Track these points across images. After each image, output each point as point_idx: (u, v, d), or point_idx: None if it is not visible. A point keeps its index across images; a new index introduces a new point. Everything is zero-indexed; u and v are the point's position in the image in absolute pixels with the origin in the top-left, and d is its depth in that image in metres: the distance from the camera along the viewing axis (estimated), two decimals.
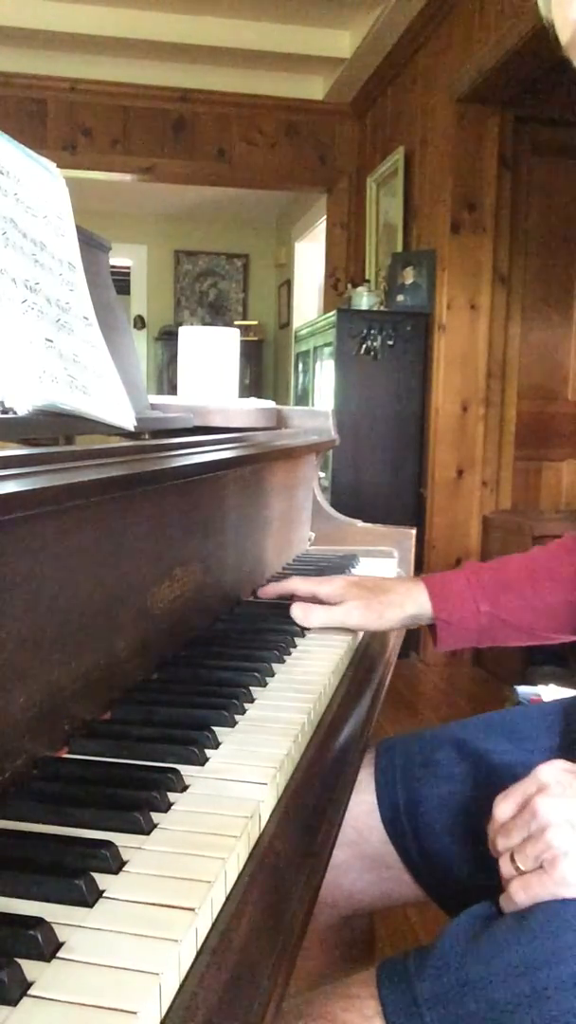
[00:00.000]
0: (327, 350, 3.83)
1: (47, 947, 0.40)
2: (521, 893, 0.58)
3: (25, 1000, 0.38)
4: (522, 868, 0.59)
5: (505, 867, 0.60)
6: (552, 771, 0.62)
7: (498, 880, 0.61)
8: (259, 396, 4.50)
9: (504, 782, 0.67)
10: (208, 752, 0.63)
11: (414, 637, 3.57)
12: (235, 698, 0.72)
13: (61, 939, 0.41)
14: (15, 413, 0.66)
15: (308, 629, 0.97)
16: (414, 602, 0.97)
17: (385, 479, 3.67)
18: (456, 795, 0.85)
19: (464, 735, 0.92)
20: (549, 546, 1.02)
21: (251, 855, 0.53)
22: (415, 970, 0.58)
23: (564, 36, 0.76)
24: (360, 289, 3.87)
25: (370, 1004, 0.59)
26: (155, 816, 0.53)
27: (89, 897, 0.44)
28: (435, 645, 1.01)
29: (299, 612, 0.96)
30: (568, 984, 0.52)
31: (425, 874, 0.87)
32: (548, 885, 0.57)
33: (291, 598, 1.01)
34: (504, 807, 0.63)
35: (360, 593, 0.97)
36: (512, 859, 0.60)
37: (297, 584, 1.01)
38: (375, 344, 3.58)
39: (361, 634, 1.04)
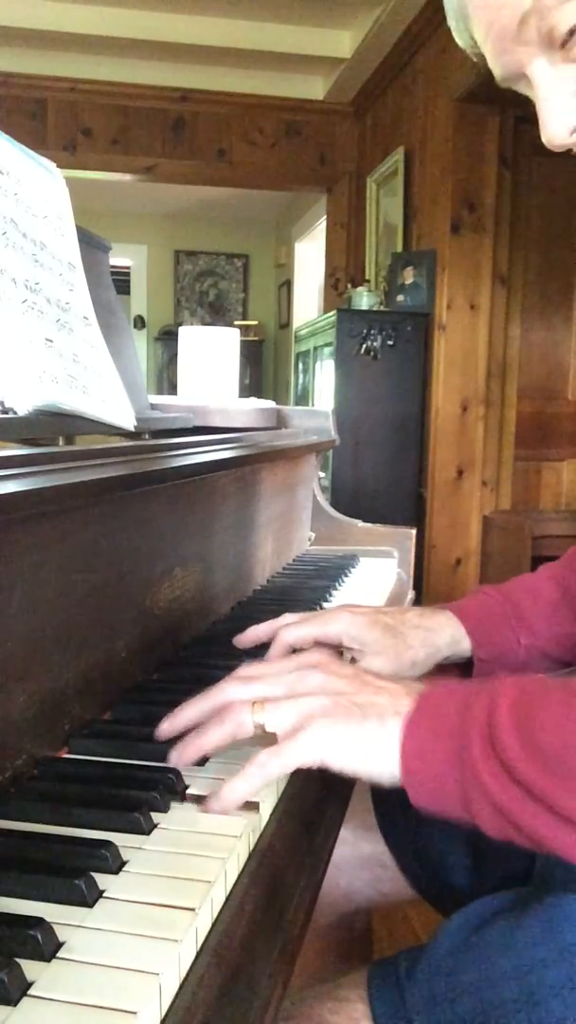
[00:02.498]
0: (327, 350, 3.83)
1: (47, 947, 0.40)
2: (270, 761, 0.55)
3: (25, 1000, 0.38)
4: (268, 725, 0.56)
5: (242, 714, 0.57)
6: (321, 654, 0.63)
7: (493, 881, 0.61)
8: (259, 396, 4.50)
9: None
10: None
11: None
12: None
13: (61, 939, 0.41)
14: (15, 413, 0.66)
15: None
16: (448, 640, 0.81)
17: (385, 479, 3.66)
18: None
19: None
20: (569, 560, 0.90)
21: (251, 855, 0.53)
22: (405, 973, 0.58)
23: (496, 71, 0.67)
24: (360, 289, 3.87)
25: (359, 1007, 0.59)
26: (155, 816, 0.53)
27: (89, 897, 0.44)
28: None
29: None
30: (560, 989, 0.52)
31: (420, 875, 0.87)
32: (297, 747, 0.55)
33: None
34: (274, 665, 0.63)
35: (382, 637, 0.76)
36: (252, 709, 0.57)
37: (291, 634, 0.75)
38: (375, 344, 3.58)
39: None
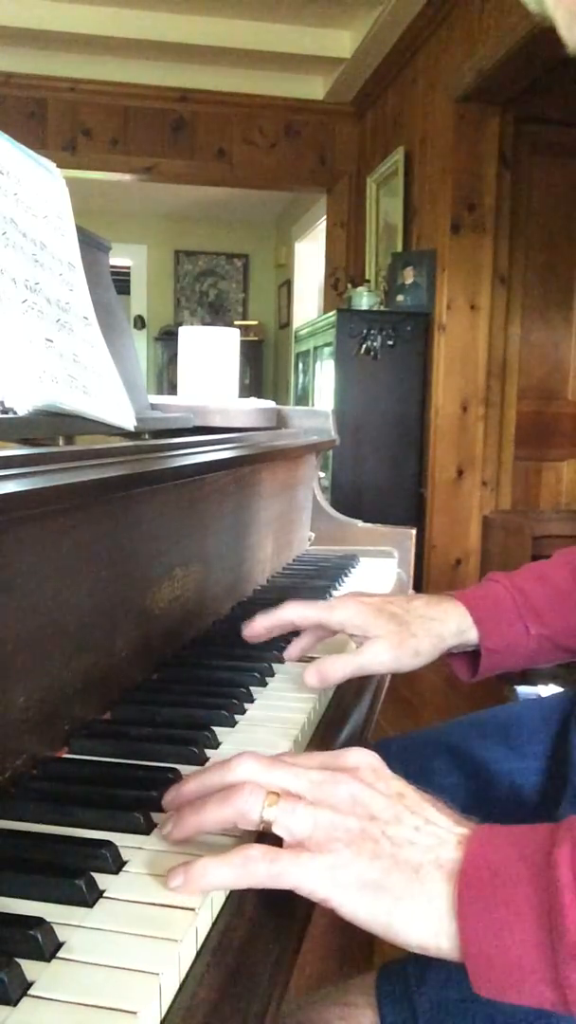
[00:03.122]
0: (327, 350, 3.83)
1: (47, 947, 0.40)
2: (262, 863, 0.45)
3: (25, 1000, 0.38)
4: (275, 826, 0.47)
5: (252, 801, 0.47)
6: (364, 756, 0.51)
7: None
8: (259, 396, 4.50)
9: (499, 792, 0.67)
10: (208, 752, 0.63)
11: None
12: (235, 698, 0.72)
13: (61, 939, 0.41)
14: (15, 413, 0.66)
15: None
16: (455, 629, 0.78)
17: (385, 479, 3.67)
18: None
19: (459, 739, 0.91)
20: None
21: None
22: (415, 981, 0.57)
23: (572, 41, 0.66)
24: (360, 289, 3.87)
25: (368, 1015, 0.58)
26: (155, 816, 0.53)
27: (89, 897, 0.44)
28: (466, 675, 0.84)
29: (314, 678, 0.72)
30: None
31: None
32: (301, 867, 0.45)
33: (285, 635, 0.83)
34: (308, 756, 0.52)
35: (386, 624, 0.75)
36: (264, 801, 0.47)
37: (295, 612, 0.77)
38: (375, 344, 3.58)
39: None
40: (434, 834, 0.46)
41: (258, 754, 0.50)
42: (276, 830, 0.47)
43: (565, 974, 0.40)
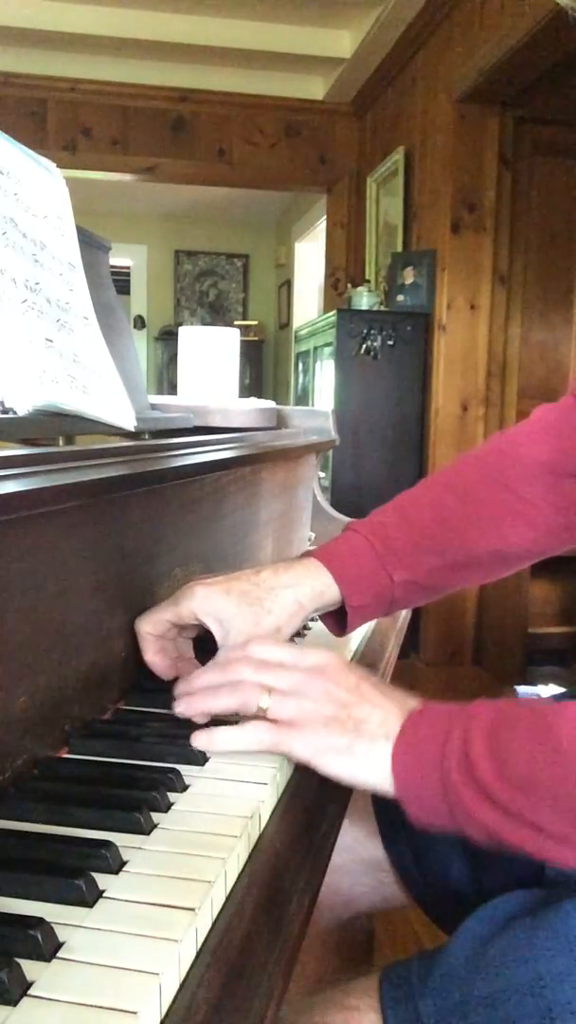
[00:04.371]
0: (327, 350, 3.83)
1: (47, 947, 0.40)
2: (267, 733, 0.60)
3: (25, 1000, 0.38)
4: (269, 711, 0.61)
5: (252, 695, 0.62)
6: (329, 658, 0.65)
7: (495, 887, 0.60)
8: (259, 396, 4.50)
9: None
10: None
11: (415, 637, 3.57)
12: None
13: (61, 939, 0.41)
14: (15, 413, 0.66)
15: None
16: (310, 592, 0.76)
17: (385, 479, 3.66)
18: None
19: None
20: (450, 477, 0.88)
21: (251, 855, 0.53)
22: (418, 984, 0.57)
23: None
24: (360, 289, 3.87)
25: (370, 1017, 0.58)
26: (155, 816, 0.53)
27: (89, 897, 0.44)
28: (336, 631, 0.84)
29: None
30: (574, 1006, 0.51)
31: (419, 881, 0.86)
32: (292, 739, 0.60)
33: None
34: (280, 652, 0.66)
35: (236, 609, 0.73)
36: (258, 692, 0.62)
37: (145, 623, 0.74)
38: (375, 344, 3.58)
39: (362, 635, 1.04)
40: (383, 713, 0.61)
41: (249, 657, 0.65)
42: (270, 715, 0.61)
43: (459, 819, 0.56)
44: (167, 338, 6.74)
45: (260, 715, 0.62)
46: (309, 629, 0.96)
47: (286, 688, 0.63)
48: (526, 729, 0.57)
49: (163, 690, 0.76)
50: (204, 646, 0.76)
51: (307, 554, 0.80)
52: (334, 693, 0.62)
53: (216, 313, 7.26)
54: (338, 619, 0.83)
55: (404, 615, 1.27)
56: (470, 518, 0.85)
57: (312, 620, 0.91)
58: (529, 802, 0.54)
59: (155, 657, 0.75)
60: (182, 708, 0.65)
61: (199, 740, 0.61)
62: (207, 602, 0.73)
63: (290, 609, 0.75)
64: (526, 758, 0.55)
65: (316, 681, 0.63)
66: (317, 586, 0.77)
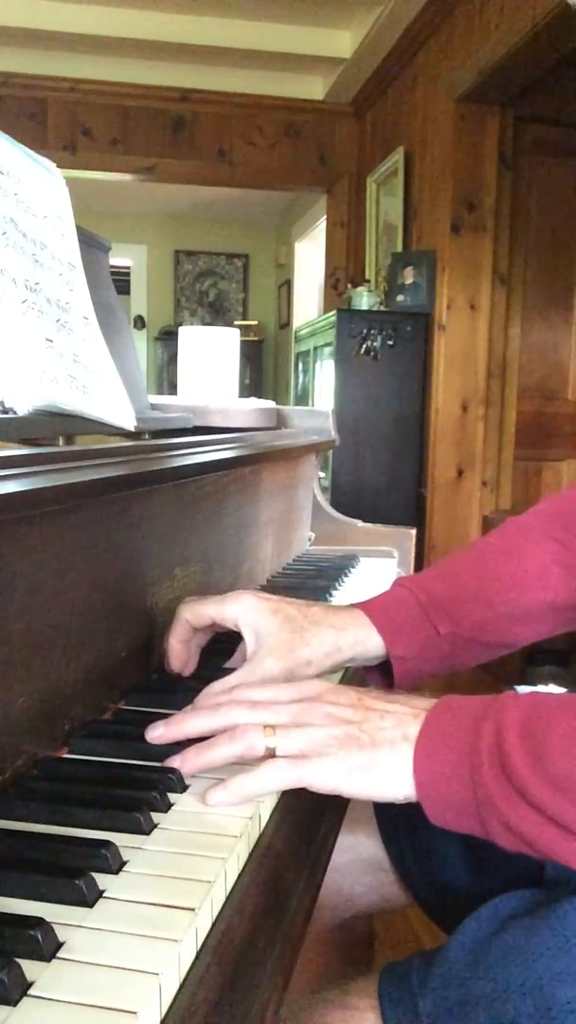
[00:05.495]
0: (327, 350, 3.83)
1: (47, 947, 0.40)
2: (289, 770, 0.56)
3: (25, 1000, 0.37)
4: (279, 750, 0.57)
5: (254, 737, 0.57)
6: (323, 685, 0.62)
7: (495, 886, 0.60)
8: (259, 396, 4.50)
9: None
10: None
11: None
12: None
13: (61, 939, 0.41)
14: (15, 413, 0.66)
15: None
16: (352, 639, 0.75)
17: (385, 479, 3.66)
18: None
19: None
20: (489, 544, 0.87)
21: (251, 855, 0.53)
22: (418, 983, 0.57)
23: None
24: (360, 289, 3.87)
25: (370, 1018, 0.58)
26: (155, 816, 0.53)
27: (89, 897, 0.44)
28: (383, 686, 0.81)
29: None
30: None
31: (419, 880, 0.86)
32: (313, 771, 0.56)
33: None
34: (272, 691, 0.62)
35: (279, 629, 0.72)
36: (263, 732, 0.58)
37: (188, 610, 0.75)
38: (375, 344, 3.58)
39: None
40: (395, 718, 0.58)
41: (240, 699, 0.61)
42: (280, 752, 0.57)
43: (485, 817, 0.53)
44: (167, 338, 6.74)
45: (268, 756, 0.57)
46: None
47: (288, 722, 0.59)
48: (565, 723, 0.53)
49: (163, 690, 0.76)
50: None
51: (353, 606, 0.79)
52: (338, 714, 0.59)
53: (216, 313, 7.26)
54: (385, 674, 0.80)
55: None
56: (516, 570, 0.83)
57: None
58: (566, 804, 0.51)
59: (179, 644, 0.75)
60: (178, 764, 0.59)
61: (215, 796, 0.56)
62: (252, 614, 0.73)
63: (327, 648, 0.74)
64: (566, 754, 0.51)
65: (316, 707, 0.60)
66: (359, 634, 0.76)
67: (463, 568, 0.84)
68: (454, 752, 0.55)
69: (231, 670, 0.72)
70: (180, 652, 0.76)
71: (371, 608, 0.78)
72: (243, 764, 0.58)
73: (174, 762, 0.59)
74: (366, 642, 0.76)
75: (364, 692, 0.62)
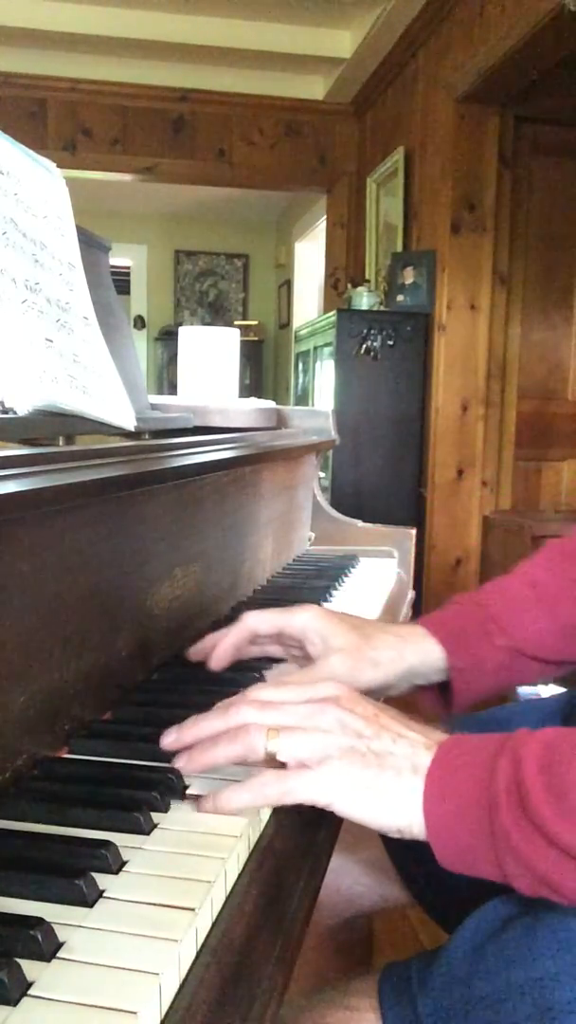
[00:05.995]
0: (327, 350, 3.83)
1: (47, 947, 0.40)
2: (274, 785, 0.54)
3: (25, 1000, 0.38)
4: (280, 754, 0.55)
5: (256, 738, 0.55)
6: (343, 687, 0.60)
7: (495, 890, 0.60)
8: (259, 396, 4.50)
9: None
10: None
11: None
12: None
13: (61, 939, 0.41)
14: (15, 413, 0.66)
15: None
16: (416, 649, 0.76)
17: (385, 479, 3.66)
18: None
19: None
20: (538, 562, 0.87)
21: (251, 855, 0.53)
22: (418, 984, 0.57)
23: None
24: (360, 289, 3.87)
25: (370, 1018, 0.58)
26: (155, 816, 0.53)
27: (89, 897, 0.44)
28: (446, 707, 0.81)
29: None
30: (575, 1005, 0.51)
31: (419, 879, 0.86)
32: (305, 783, 0.54)
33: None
34: (285, 691, 0.60)
35: (346, 633, 0.74)
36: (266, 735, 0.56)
37: (255, 618, 0.76)
38: (375, 344, 3.58)
39: None
40: (408, 744, 0.56)
41: (250, 699, 0.59)
42: (281, 757, 0.55)
43: (503, 859, 0.50)
44: (167, 338, 6.73)
45: (270, 761, 0.56)
46: None
47: (294, 726, 0.56)
48: None
49: (164, 690, 0.76)
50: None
51: (411, 621, 0.81)
52: (350, 723, 0.56)
53: (216, 313, 7.25)
54: (442, 695, 0.80)
55: (404, 614, 1.27)
56: (564, 589, 0.82)
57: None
58: None
59: (231, 647, 0.76)
60: (182, 764, 0.58)
61: (206, 805, 0.55)
62: (319, 621, 0.74)
63: (392, 652, 0.75)
64: None
65: (328, 710, 0.57)
66: (423, 644, 0.77)
67: (511, 585, 0.84)
68: (468, 790, 0.52)
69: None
70: (228, 654, 0.76)
71: (428, 622, 0.79)
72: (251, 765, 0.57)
73: (179, 761, 0.58)
74: (429, 652, 0.76)
75: (383, 709, 0.59)
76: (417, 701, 0.82)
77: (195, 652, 0.78)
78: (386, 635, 0.76)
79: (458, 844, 0.52)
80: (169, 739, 0.60)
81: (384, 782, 0.54)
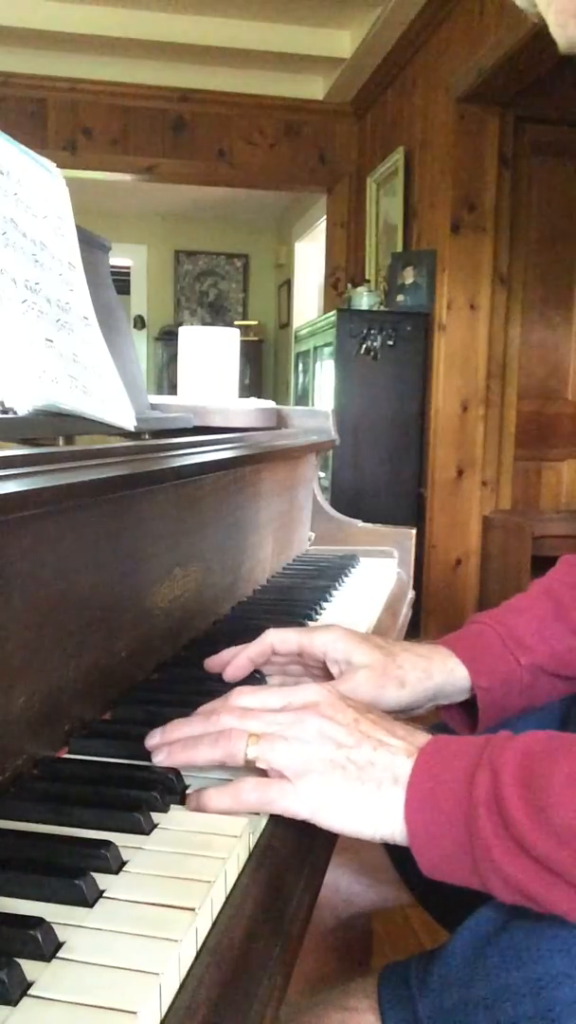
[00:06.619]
0: (327, 350, 3.83)
1: (47, 947, 0.40)
2: (254, 793, 0.54)
3: (25, 1000, 0.38)
4: (260, 762, 0.55)
5: (237, 744, 0.56)
6: (324, 693, 0.59)
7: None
8: (259, 396, 4.50)
9: None
10: None
11: (414, 632, 3.57)
12: None
13: (61, 939, 0.41)
14: (15, 413, 0.66)
15: None
16: (441, 668, 0.76)
17: (385, 479, 3.66)
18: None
19: None
20: (556, 577, 0.86)
21: (251, 855, 0.53)
22: (417, 985, 0.57)
23: (562, 40, 0.65)
24: (360, 289, 3.87)
25: (369, 1018, 0.58)
26: (155, 816, 0.53)
27: (89, 897, 0.44)
28: (464, 727, 0.80)
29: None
30: None
31: (421, 881, 0.86)
32: (286, 795, 0.54)
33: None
34: (266, 696, 0.60)
35: (370, 652, 0.73)
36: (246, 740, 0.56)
37: (275, 636, 0.75)
38: (375, 344, 3.58)
39: (365, 628, 1.04)
40: (389, 752, 0.55)
41: (230, 706, 0.60)
42: (260, 765, 0.56)
43: (483, 871, 0.51)
44: (167, 338, 6.74)
45: (249, 766, 0.56)
46: None
47: (274, 733, 0.57)
48: (565, 769, 0.50)
49: (164, 690, 0.76)
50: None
51: (434, 642, 0.79)
52: (330, 732, 0.56)
53: (216, 313, 7.25)
54: (467, 713, 0.80)
55: (404, 613, 1.27)
56: None
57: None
58: (569, 854, 0.48)
59: (248, 661, 0.75)
60: (161, 758, 0.59)
61: (191, 802, 0.55)
62: (341, 643, 0.73)
63: (418, 672, 0.74)
64: (568, 804, 0.49)
65: (308, 719, 0.57)
66: (448, 663, 0.76)
67: (532, 604, 0.83)
68: (448, 802, 0.52)
69: None
70: (244, 668, 0.76)
71: (452, 642, 0.78)
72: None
73: (159, 754, 0.59)
74: (454, 672, 0.76)
75: (364, 712, 0.59)
76: (441, 719, 0.81)
77: (211, 663, 0.78)
78: (410, 654, 0.75)
79: (440, 853, 0.52)
80: (152, 741, 0.60)
81: (365, 794, 0.54)
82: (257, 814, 0.55)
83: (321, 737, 0.56)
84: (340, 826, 0.54)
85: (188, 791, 0.57)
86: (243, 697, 0.61)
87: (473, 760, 0.53)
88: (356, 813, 0.54)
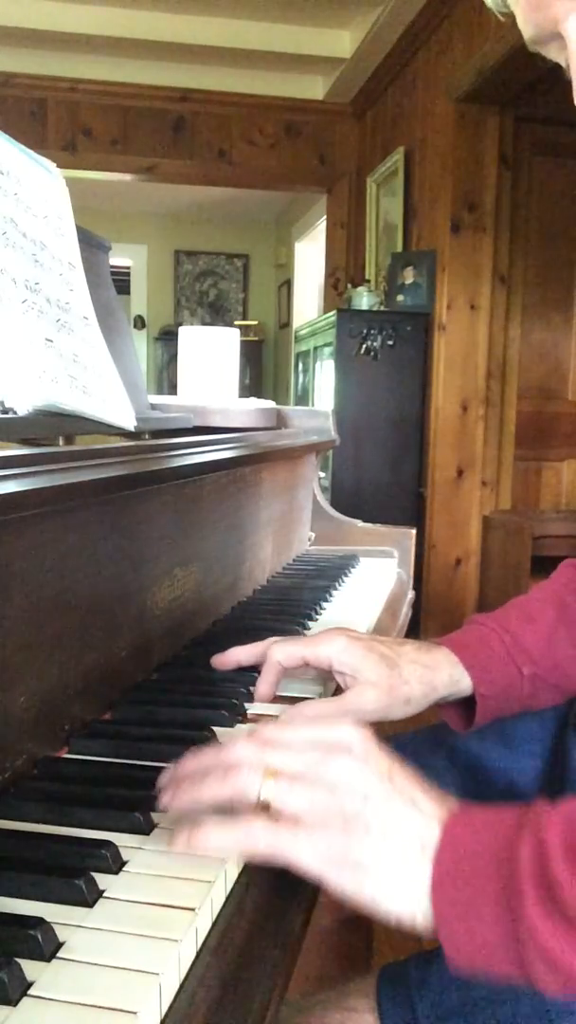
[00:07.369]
0: (327, 350, 3.83)
1: (47, 947, 0.40)
2: (264, 837, 0.48)
3: (25, 1000, 0.38)
4: (273, 801, 0.49)
5: (251, 779, 0.49)
6: (356, 734, 0.52)
7: None
8: (259, 396, 4.50)
9: (496, 791, 0.66)
10: None
11: (415, 632, 3.57)
12: (235, 698, 0.72)
13: (61, 939, 0.41)
14: (15, 413, 0.66)
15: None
16: (447, 679, 0.74)
17: (385, 479, 3.66)
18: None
19: (457, 738, 0.91)
20: (559, 580, 0.85)
21: None
22: (416, 986, 0.57)
23: (527, 31, 0.65)
24: (360, 289, 3.87)
25: (368, 1019, 0.58)
26: (155, 816, 0.53)
27: (89, 897, 0.44)
28: (460, 725, 0.80)
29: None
30: (573, 1006, 0.51)
31: None
32: (297, 846, 0.47)
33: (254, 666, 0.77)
34: (299, 731, 0.53)
35: (376, 666, 0.71)
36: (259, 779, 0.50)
37: (281, 653, 0.73)
38: (375, 344, 3.58)
39: (365, 628, 1.04)
40: (419, 817, 0.48)
41: (255, 736, 0.53)
42: (275, 806, 0.49)
43: (527, 957, 0.43)
44: (167, 338, 6.74)
45: (263, 807, 0.49)
46: (308, 631, 0.96)
47: (296, 772, 0.50)
48: None
49: (164, 690, 0.76)
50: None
51: (438, 642, 0.78)
52: (358, 781, 0.49)
53: (216, 313, 7.25)
54: (465, 711, 0.79)
55: (404, 613, 1.27)
56: None
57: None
58: None
59: (268, 688, 0.74)
60: (166, 800, 0.52)
61: (179, 842, 0.48)
62: (347, 654, 0.71)
63: (424, 688, 0.73)
64: None
65: (337, 762, 0.50)
66: (454, 673, 0.75)
67: (539, 612, 0.82)
68: (485, 878, 0.45)
69: None
70: (268, 695, 0.74)
71: (457, 646, 0.77)
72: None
73: (163, 798, 0.52)
74: (460, 682, 0.75)
75: (398, 767, 0.52)
76: (437, 714, 0.81)
77: (217, 660, 0.78)
78: (415, 666, 0.73)
79: (473, 940, 0.44)
80: (165, 778, 0.54)
81: (385, 862, 0.47)
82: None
83: (348, 785, 0.49)
84: (352, 891, 0.48)
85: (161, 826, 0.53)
86: (269, 730, 0.54)
87: (512, 829, 0.46)
88: (371, 882, 0.47)
